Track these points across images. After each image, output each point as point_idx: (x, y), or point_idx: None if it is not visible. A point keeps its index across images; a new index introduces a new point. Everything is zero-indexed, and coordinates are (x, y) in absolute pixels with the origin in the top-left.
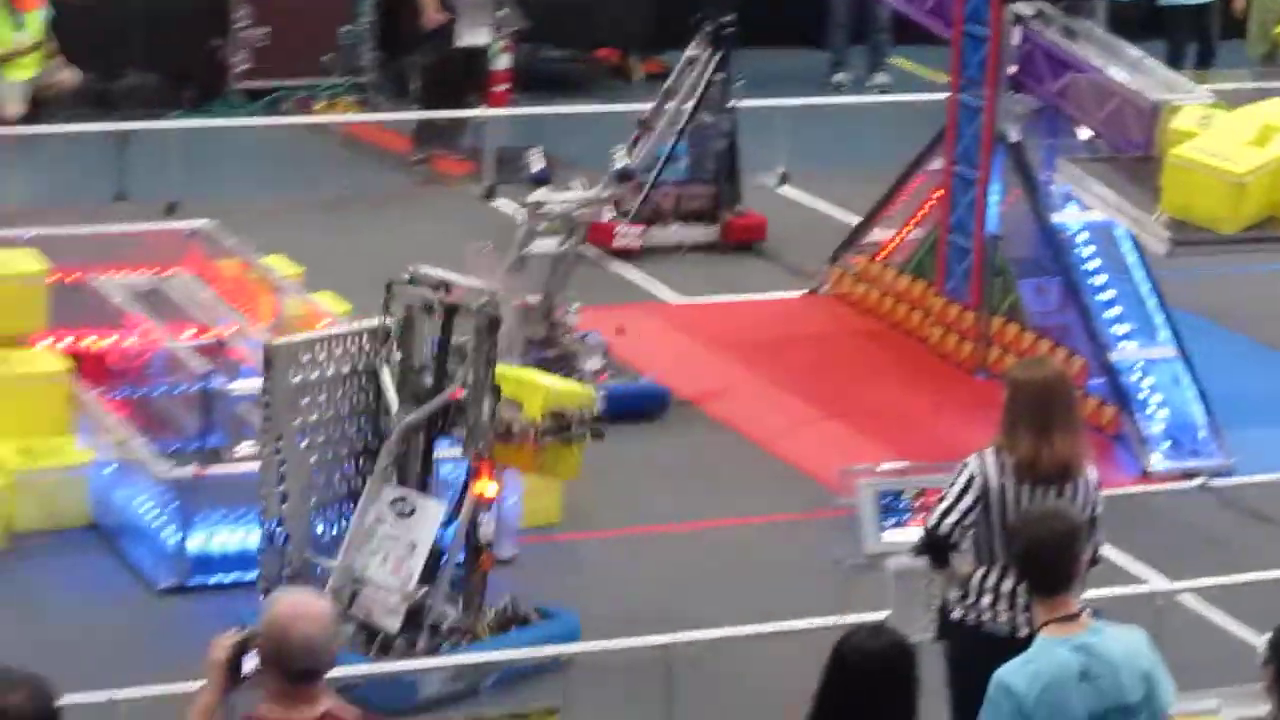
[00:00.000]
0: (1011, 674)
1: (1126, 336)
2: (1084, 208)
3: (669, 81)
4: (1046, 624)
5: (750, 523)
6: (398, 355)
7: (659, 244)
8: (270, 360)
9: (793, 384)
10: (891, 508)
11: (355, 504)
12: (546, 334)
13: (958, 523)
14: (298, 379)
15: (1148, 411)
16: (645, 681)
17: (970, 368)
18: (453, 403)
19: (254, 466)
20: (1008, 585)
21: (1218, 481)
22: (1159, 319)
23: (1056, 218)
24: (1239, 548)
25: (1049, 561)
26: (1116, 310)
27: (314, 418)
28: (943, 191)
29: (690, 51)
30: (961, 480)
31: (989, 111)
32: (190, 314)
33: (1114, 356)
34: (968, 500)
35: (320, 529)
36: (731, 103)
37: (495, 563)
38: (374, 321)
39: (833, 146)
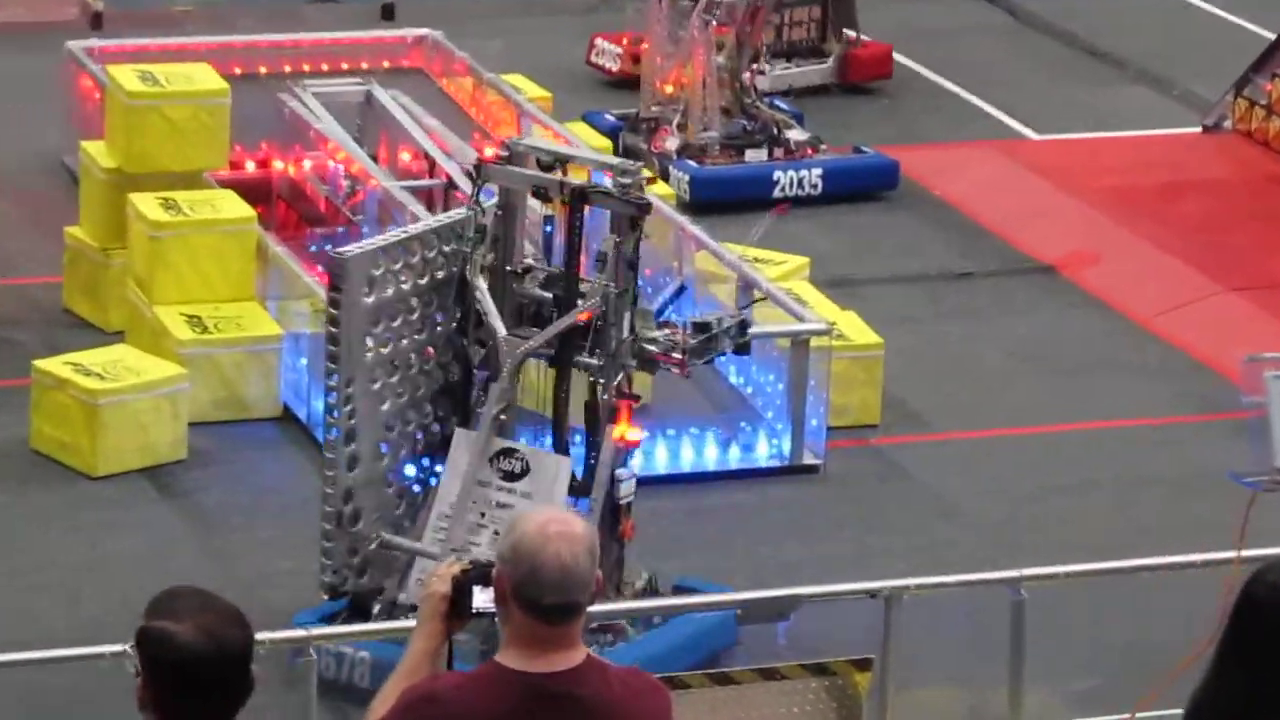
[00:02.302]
0: None
1: None
2: None
3: None
4: None
5: (1125, 426)
6: (489, 258)
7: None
8: (340, 275)
9: (1181, 247)
10: None
11: (433, 461)
12: (737, 99)
13: None
14: (371, 299)
15: None
16: (986, 619)
17: None
18: (580, 324)
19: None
20: None
21: None
22: None
23: None
24: None
25: None
26: None
27: (388, 349)
28: None
29: None
30: None
31: None
32: (412, 139)
33: None
34: None
35: (394, 495)
36: None
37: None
38: (459, 214)
39: None
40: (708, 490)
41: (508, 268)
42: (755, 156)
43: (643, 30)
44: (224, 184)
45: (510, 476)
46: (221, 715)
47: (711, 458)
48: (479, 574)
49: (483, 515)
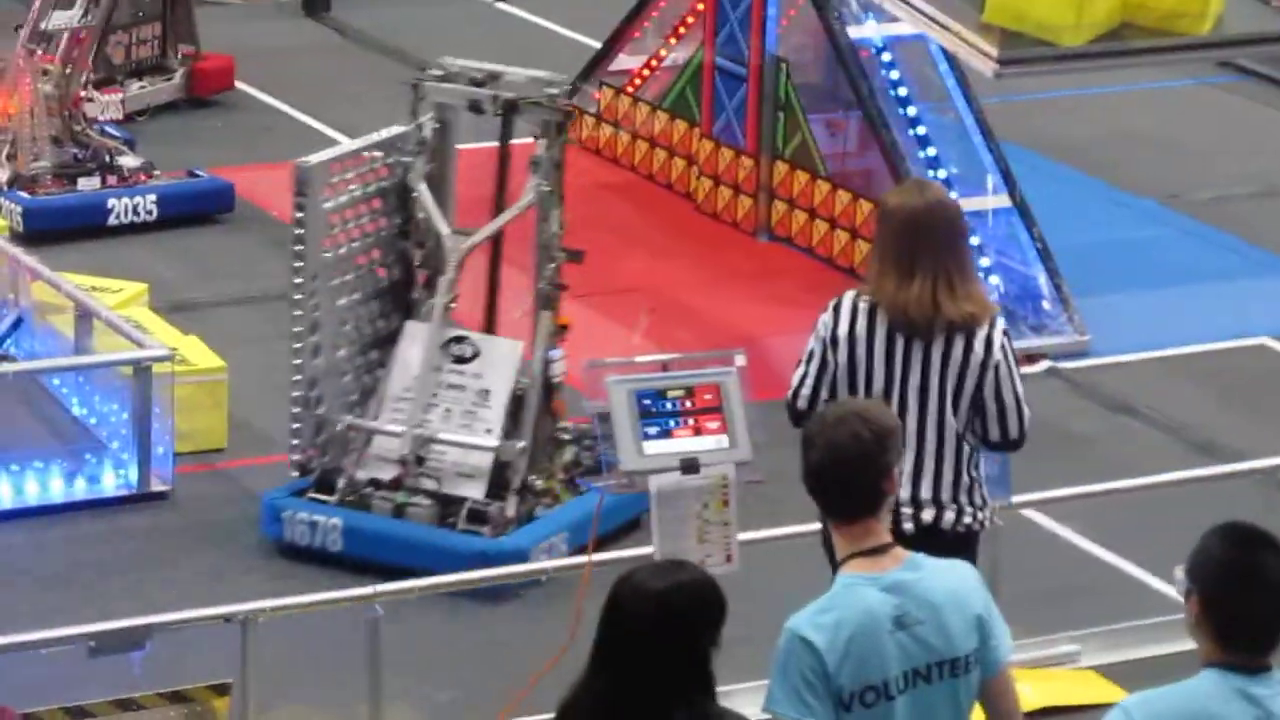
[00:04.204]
0: (807, 624)
1: (946, 183)
2: (887, 19)
3: None
4: (850, 558)
5: None
6: (429, 168)
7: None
8: (304, 182)
9: (514, 254)
10: (654, 412)
11: (381, 353)
12: (67, 127)
13: (814, 392)
14: (329, 204)
15: None
16: (346, 638)
17: (749, 228)
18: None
19: None
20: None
21: (1068, 364)
22: (986, 159)
23: (853, 33)
24: (1096, 447)
25: (851, 479)
26: (932, 150)
27: (342, 250)
28: (705, 3)
29: None
30: (811, 338)
31: None
32: None
33: None
34: (816, 362)
35: (351, 382)
36: None
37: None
38: (400, 129)
39: None
40: (54, 523)
41: (442, 177)
42: (88, 185)
43: None
44: None
45: (461, 360)
46: None
47: (57, 490)
48: None
49: (434, 395)
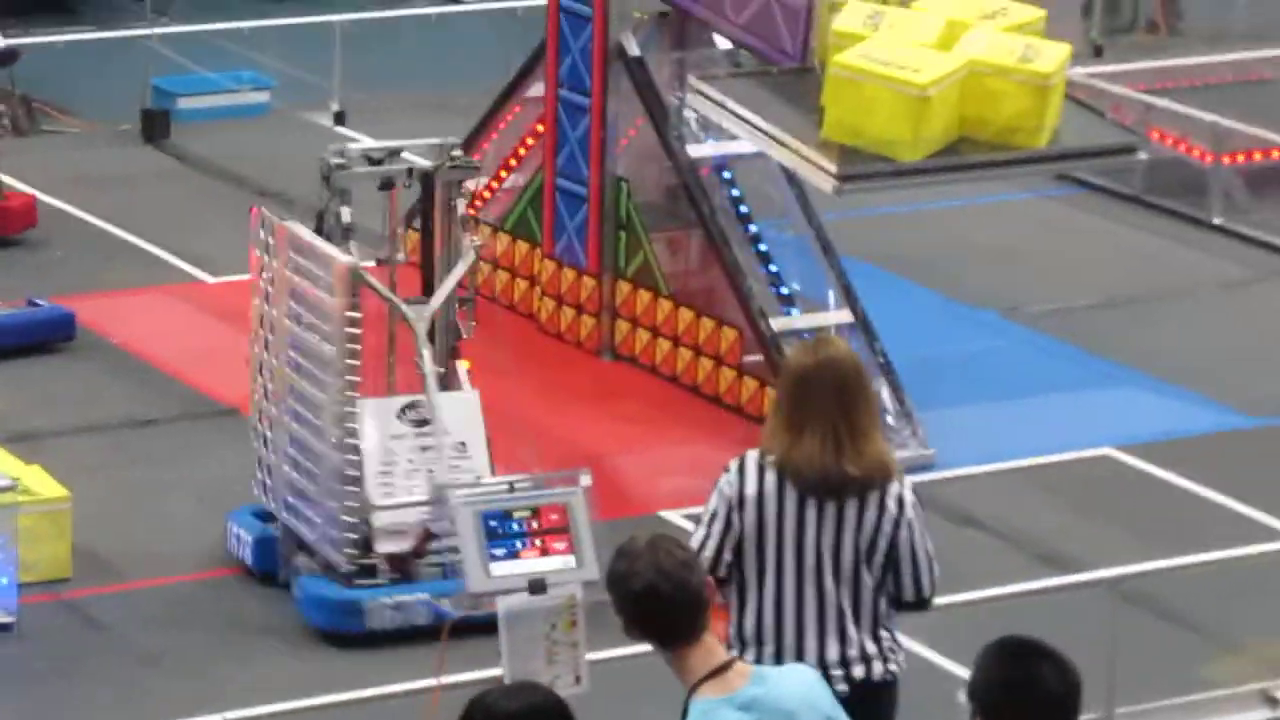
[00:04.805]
0: None
1: (788, 300)
2: (727, 138)
3: None
4: (699, 683)
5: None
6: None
7: None
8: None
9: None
10: (500, 533)
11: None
12: None
13: (717, 554)
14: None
15: None
16: None
17: (593, 348)
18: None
19: None
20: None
21: (912, 478)
22: (829, 275)
23: (692, 152)
24: (941, 560)
25: (679, 594)
26: (773, 267)
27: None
28: (545, 125)
29: None
30: (714, 499)
31: (600, 18)
32: None
33: (774, 325)
34: (720, 523)
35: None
36: None
37: None
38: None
39: (387, 69)
40: None
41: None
42: None
43: None
44: None
45: (422, 423)
46: None
47: None
48: None
49: (411, 462)
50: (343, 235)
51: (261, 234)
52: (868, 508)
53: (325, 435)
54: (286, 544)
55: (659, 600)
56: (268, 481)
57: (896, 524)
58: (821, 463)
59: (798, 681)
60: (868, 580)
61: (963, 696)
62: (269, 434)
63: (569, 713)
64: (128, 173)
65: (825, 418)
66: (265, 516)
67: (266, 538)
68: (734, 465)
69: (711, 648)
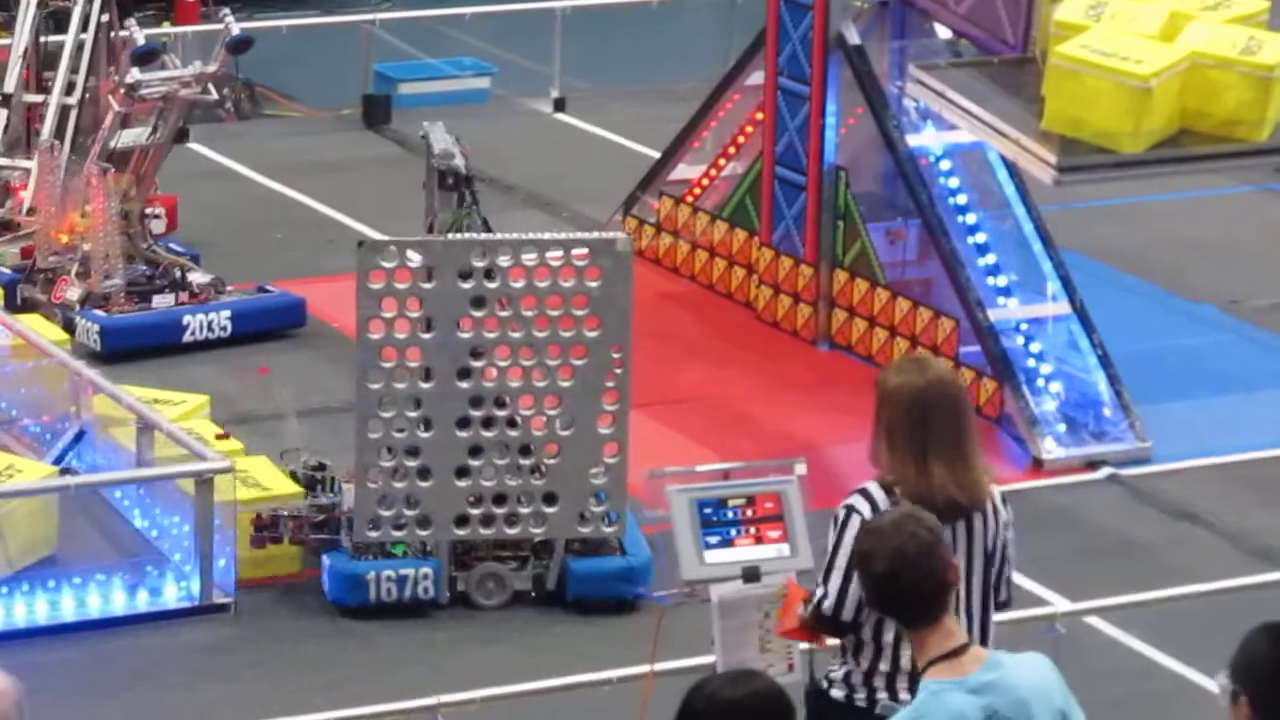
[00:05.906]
0: None
1: (1006, 290)
2: (946, 128)
3: None
4: (931, 664)
5: None
6: None
7: None
8: None
9: None
10: (715, 521)
11: None
12: (134, 244)
13: (858, 608)
14: None
15: (1037, 384)
16: None
17: (809, 337)
18: None
19: None
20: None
21: (1129, 470)
22: (1046, 266)
23: (911, 141)
24: (1156, 555)
25: (920, 579)
26: (991, 258)
27: None
28: (765, 113)
29: None
30: (846, 542)
31: (820, 7)
32: None
33: (991, 316)
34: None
35: None
36: None
37: None
38: None
39: (607, 57)
40: (116, 636)
41: None
42: (162, 302)
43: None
44: None
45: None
46: None
47: (119, 603)
48: None
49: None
50: None
51: None
52: (987, 520)
53: None
54: None
55: (898, 585)
56: None
57: (1005, 527)
58: (949, 487)
59: (1032, 670)
60: (992, 593)
61: (1224, 677)
62: None
63: (789, 701)
64: (348, 158)
65: (945, 440)
66: None
67: None
68: (863, 505)
69: (950, 630)
